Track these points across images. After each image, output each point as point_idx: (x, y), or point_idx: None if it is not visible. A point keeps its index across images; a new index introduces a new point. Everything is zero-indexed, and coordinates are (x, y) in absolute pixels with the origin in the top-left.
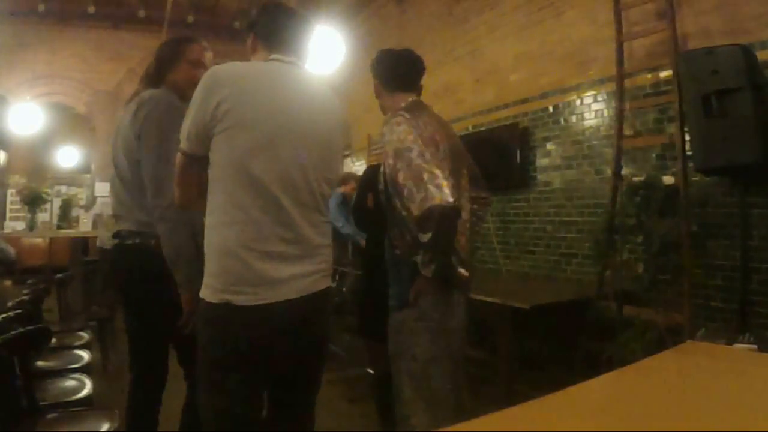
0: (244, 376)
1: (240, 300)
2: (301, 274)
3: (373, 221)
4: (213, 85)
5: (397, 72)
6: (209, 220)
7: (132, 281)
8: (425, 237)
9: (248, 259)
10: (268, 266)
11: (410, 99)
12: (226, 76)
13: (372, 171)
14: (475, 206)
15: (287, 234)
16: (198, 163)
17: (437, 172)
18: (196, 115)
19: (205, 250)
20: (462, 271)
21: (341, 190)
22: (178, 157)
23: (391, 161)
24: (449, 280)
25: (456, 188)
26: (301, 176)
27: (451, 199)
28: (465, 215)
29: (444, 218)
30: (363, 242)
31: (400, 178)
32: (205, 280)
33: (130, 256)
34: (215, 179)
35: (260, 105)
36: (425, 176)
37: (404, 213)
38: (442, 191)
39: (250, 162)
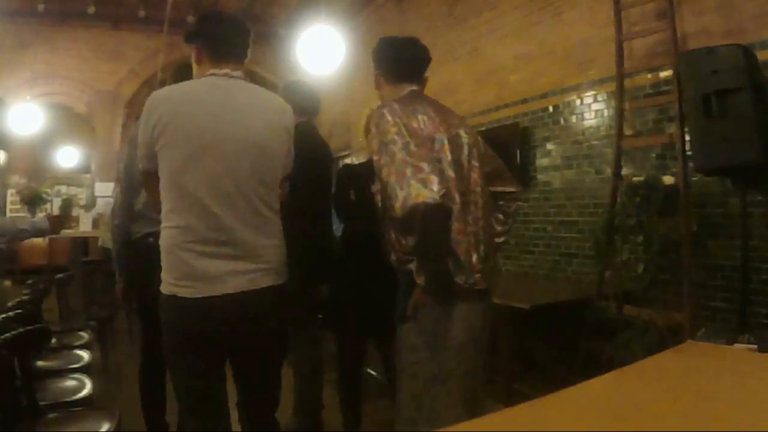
0: (194, 357)
1: (183, 292)
2: (237, 272)
3: (355, 215)
4: (149, 110)
5: (398, 61)
6: (161, 225)
7: None
8: (411, 240)
9: (187, 258)
10: (204, 264)
11: (409, 89)
12: (158, 101)
13: (352, 168)
14: (501, 202)
15: (220, 236)
16: (156, 178)
17: (423, 165)
18: (141, 137)
19: (160, 250)
20: (461, 279)
21: None
22: (142, 174)
23: (376, 156)
24: (448, 290)
25: (458, 182)
26: (232, 184)
27: (437, 197)
28: (478, 212)
29: (428, 218)
30: None
31: (384, 174)
32: (161, 275)
33: None
34: (162, 190)
35: (189, 123)
36: (408, 171)
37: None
38: (428, 187)
39: (182, 176)
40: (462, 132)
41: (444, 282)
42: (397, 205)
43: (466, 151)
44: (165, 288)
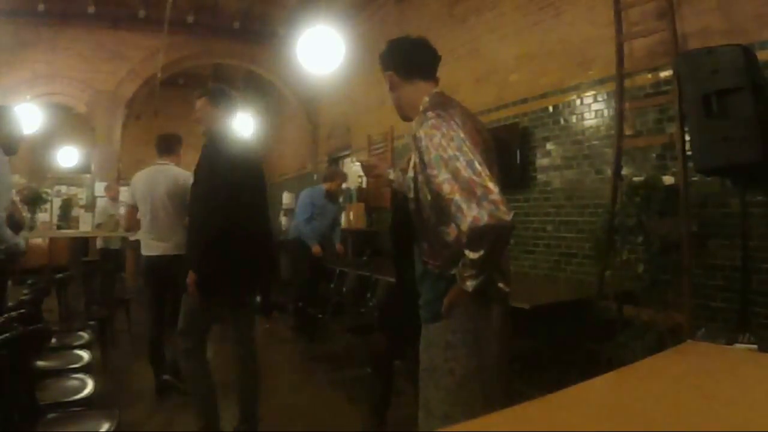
0: (153, 282)
1: (147, 253)
2: (164, 246)
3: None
4: (132, 183)
5: (415, 59)
6: (143, 232)
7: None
8: (474, 255)
9: (148, 240)
10: (154, 243)
11: (433, 91)
12: (136, 179)
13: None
14: None
15: (161, 232)
16: (135, 210)
17: (491, 185)
18: (128, 194)
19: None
20: (502, 285)
21: (326, 186)
22: (128, 208)
23: (434, 171)
24: (487, 294)
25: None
26: (165, 210)
27: (508, 218)
28: None
29: (500, 239)
30: (315, 247)
31: (446, 190)
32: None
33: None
34: (141, 216)
35: (147, 187)
36: (478, 191)
37: (443, 227)
38: (499, 209)
39: (143, 206)
40: (487, 137)
41: (488, 288)
42: (465, 224)
43: (492, 159)
44: (142, 253)
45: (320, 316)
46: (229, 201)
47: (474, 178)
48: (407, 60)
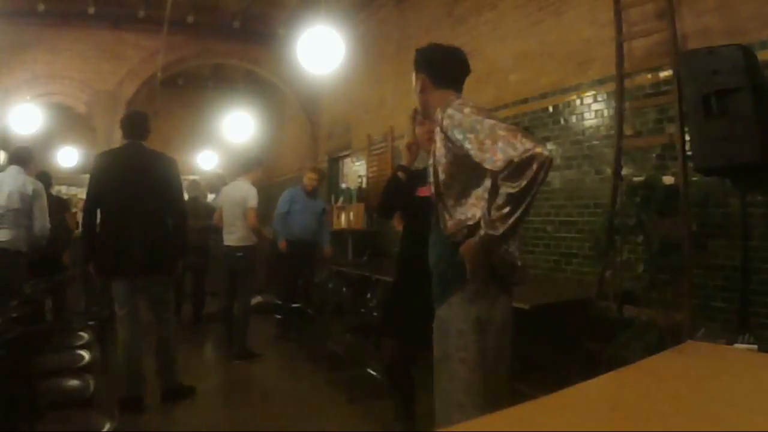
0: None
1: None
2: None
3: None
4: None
5: (451, 70)
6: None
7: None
8: (514, 187)
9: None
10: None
11: (455, 96)
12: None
13: (418, 173)
14: None
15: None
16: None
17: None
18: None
19: None
20: (514, 263)
21: (302, 182)
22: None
23: (470, 135)
24: (511, 270)
25: None
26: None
27: (547, 152)
28: None
29: (542, 168)
30: (281, 243)
31: (487, 144)
32: None
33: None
34: None
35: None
36: (519, 133)
37: (468, 193)
38: (540, 144)
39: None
40: None
41: (510, 261)
42: (516, 153)
43: None
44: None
45: (297, 306)
46: (94, 204)
47: (510, 126)
48: (443, 70)
